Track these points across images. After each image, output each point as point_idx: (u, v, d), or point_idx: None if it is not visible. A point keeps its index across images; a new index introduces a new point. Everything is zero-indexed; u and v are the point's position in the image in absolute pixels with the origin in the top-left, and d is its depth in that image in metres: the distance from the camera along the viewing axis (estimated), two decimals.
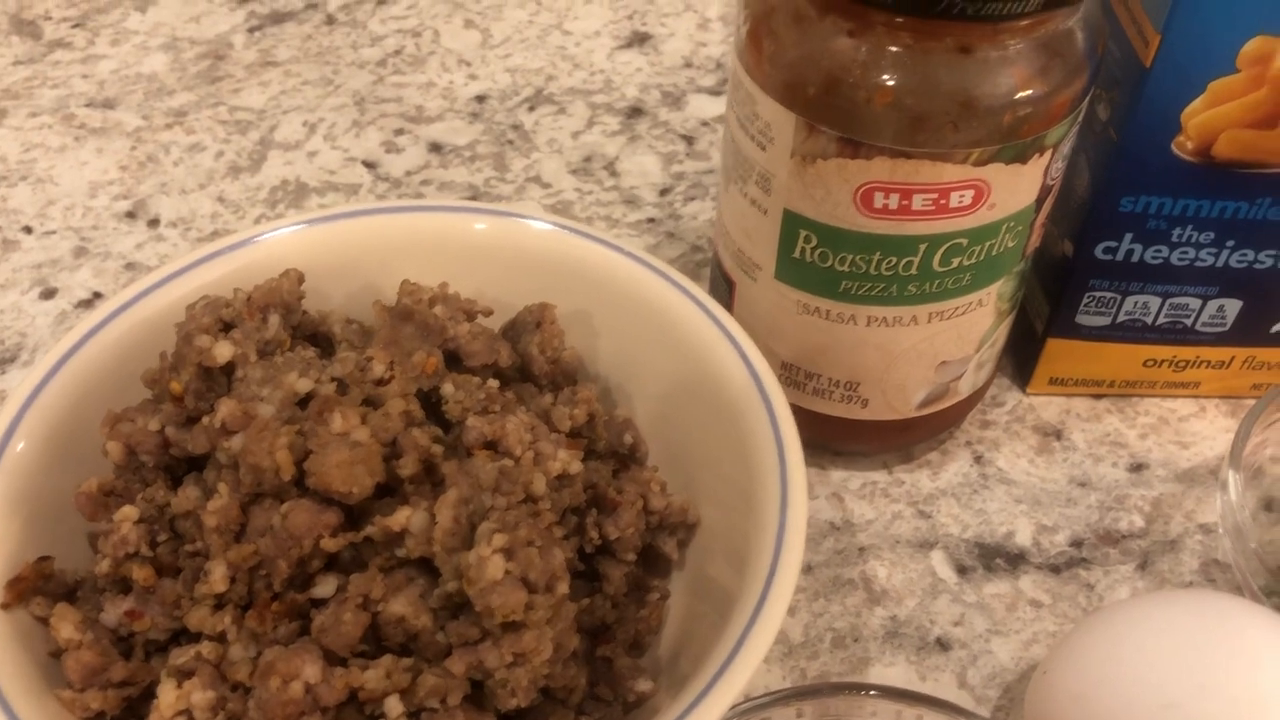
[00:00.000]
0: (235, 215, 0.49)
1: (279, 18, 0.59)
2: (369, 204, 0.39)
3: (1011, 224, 0.33)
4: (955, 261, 0.33)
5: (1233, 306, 0.40)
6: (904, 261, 0.33)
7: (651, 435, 0.37)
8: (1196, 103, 0.34)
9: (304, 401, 0.31)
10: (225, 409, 0.29)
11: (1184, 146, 0.35)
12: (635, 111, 0.54)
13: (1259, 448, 0.40)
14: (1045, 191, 0.33)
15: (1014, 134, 0.31)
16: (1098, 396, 0.43)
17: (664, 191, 0.50)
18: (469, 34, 0.58)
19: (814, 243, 0.34)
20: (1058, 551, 0.38)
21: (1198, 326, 0.40)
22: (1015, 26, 0.29)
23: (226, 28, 0.58)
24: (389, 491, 0.30)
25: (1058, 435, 0.42)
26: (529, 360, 0.35)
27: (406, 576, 0.29)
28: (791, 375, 0.38)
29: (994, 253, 0.34)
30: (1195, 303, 0.40)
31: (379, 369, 0.31)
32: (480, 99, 0.54)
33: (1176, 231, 0.37)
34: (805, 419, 0.39)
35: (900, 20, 0.30)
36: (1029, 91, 0.30)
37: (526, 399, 0.35)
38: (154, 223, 0.48)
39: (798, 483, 0.32)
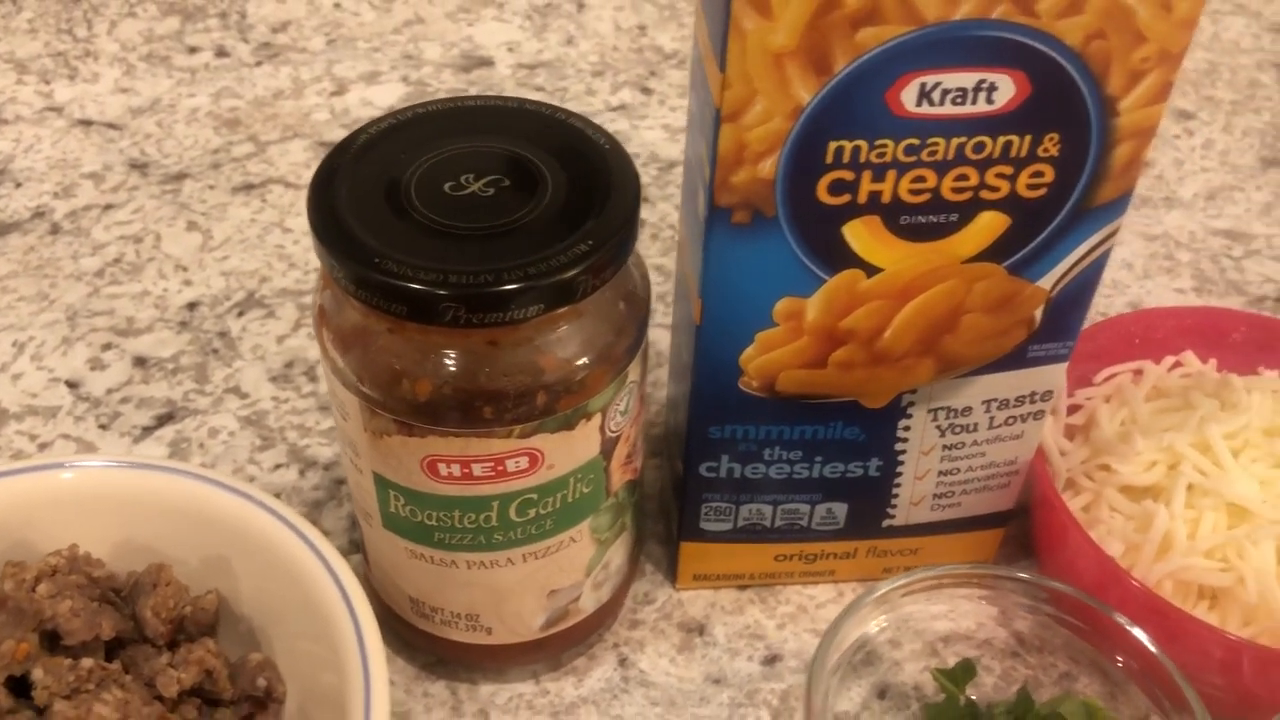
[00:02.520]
0: None
1: (3, 229, 0.60)
2: (13, 464, 0.40)
3: (579, 475, 0.36)
4: (531, 512, 0.36)
5: (840, 509, 0.43)
6: (483, 516, 0.36)
7: (292, 674, 0.39)
8: (749, 350, 0.37)
9: None
10: None
11: (750, 385, 0.38)
12: None
13: (880, 632, 0.43)
14: (610, 443, 0.36)
15: (551, 410, 0.34)
16: (742, 588, 0.46)
17: None
18: (190, 237, 0.60)
19: (402, 501, 0.36)
20: None
21: (813, 526, 0.44)
22: (536, 323, 0.32)
23: None
24: None
25: (701, 631, 0.45)
26: (142, 623, 0.37)
27: None
28: (419, 609, 0.40)
29: (569, 500, 0.36)
30: (804, 508, 0.43)
31: None
32: (192, 306, 0.56)
33: (767, 452, 0.41)
34: (442, 646, 0.41)
35: None
36: (559, 374, 0.33)
37: (141, 662, 0.36)
38: None
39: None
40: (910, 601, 0.43)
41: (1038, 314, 0.38)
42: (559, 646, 0.42)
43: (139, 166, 0.64)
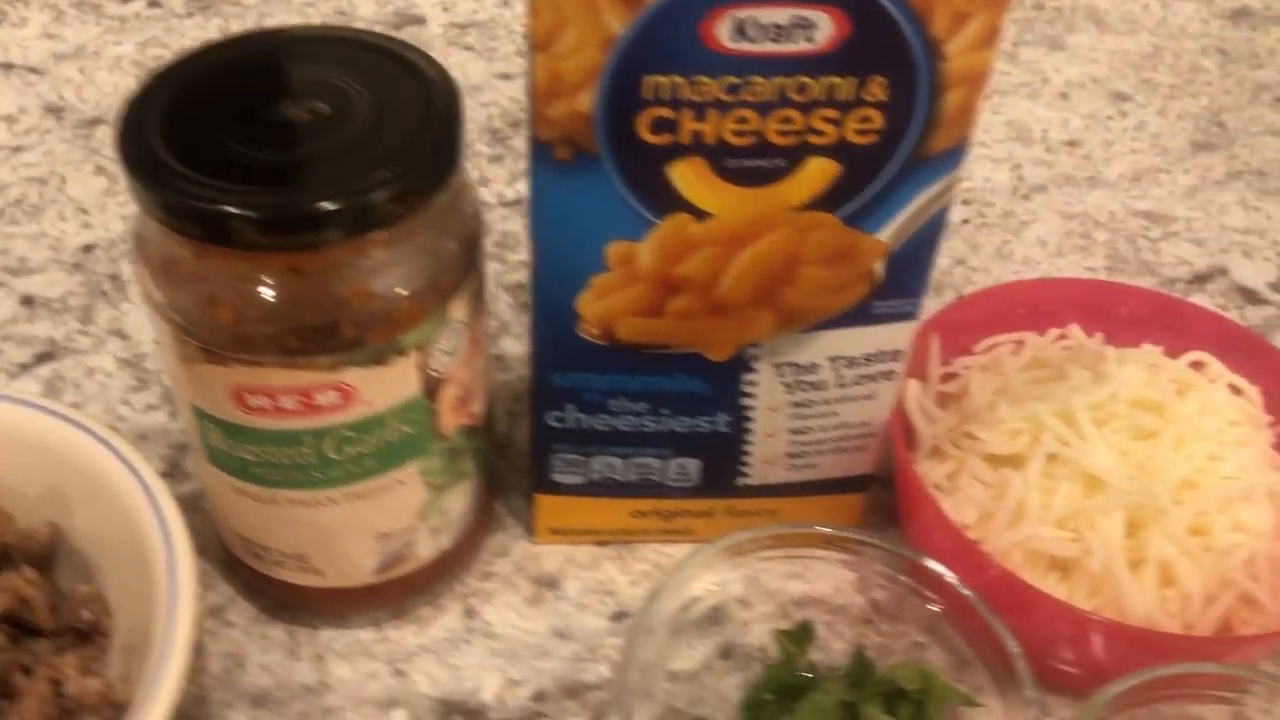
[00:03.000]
0: None
1: None
2: None
3: (399, 414, 0.35)
4: (350, 450, 0.35)
5: (692, 464, 0.42)
6: (298, 451, 0.35)
7: (123, 609, 0.39)
8: (586, 295, 0.37)
9: None
10: None
11: (590, 331, 0.38)
12: None
13: (731, 592, 0.43)
14: (434, 383, 0.36)
15: (360, 342, 0.33)
16: (600, 544, 0.45)
17: None
18: (96, 181, 0.60)
19: (220, 434, 0.36)
20: (518, 706, 0.40)
21: (668, 482, 0.43)
22: (342, 251, 0.32)
23: None
24: None
25: (552, 585, 0.44)
26: None
27: None
28: (250, 547, 0.39)
29: (390, 440, 0.36)
30: (656, 462, 0.42)
31: None
32: (88, 249, 0.56)
33: (612, 402, 0.40)
34: (277, 588, 0.41)
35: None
36: (367, 306, 0.33)
37: None
38: None
39: (174, 670, 0.33)
40: (764, 561, 0.42)
41: (878, 268, 0.37)
42: (398, 593, 0.41)
43: (54, 110, 0.64)
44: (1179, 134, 0.67)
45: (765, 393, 0.40)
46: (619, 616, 0.43)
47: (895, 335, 0.39)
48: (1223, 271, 0.59)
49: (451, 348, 0.36)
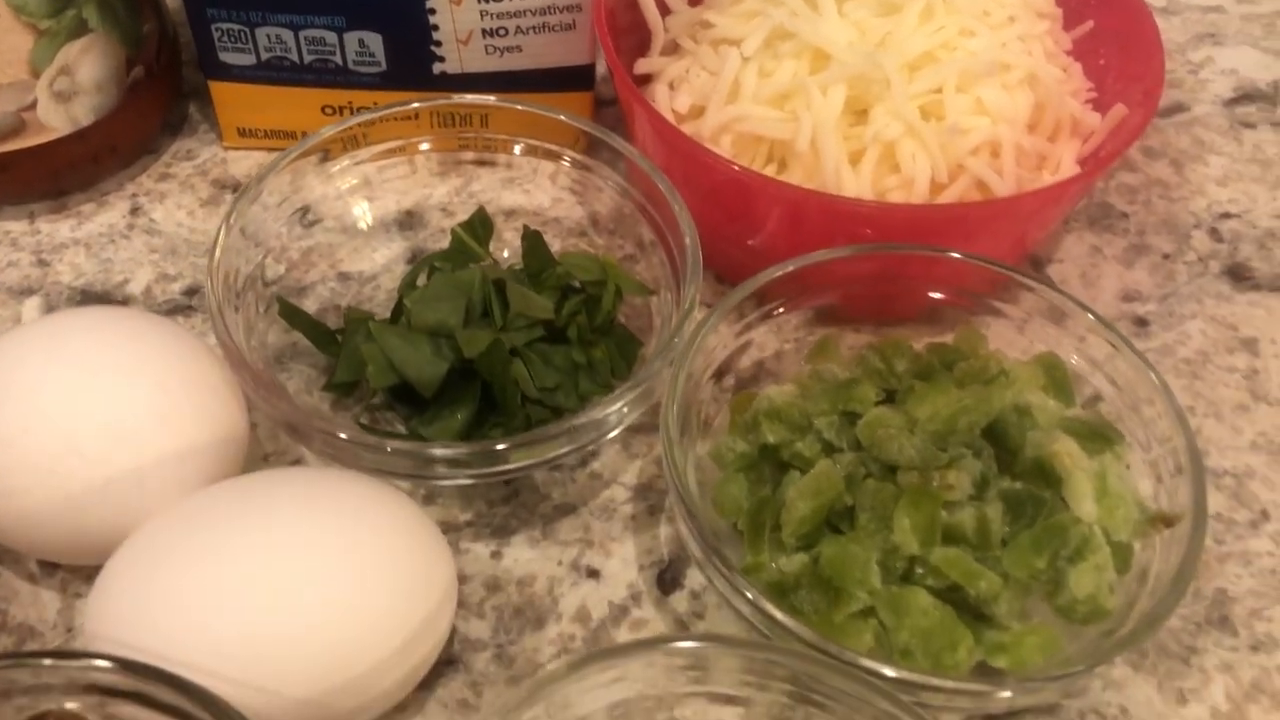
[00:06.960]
0: None
1: None
2: None
3: None
4: None
5: (374, 40, 0.37)
6: None
7: None
8: None
9: None
10: None
11: None
12: None
13: (436, 199, 0.38)
14: None
15: None
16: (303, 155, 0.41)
17: None
18: None
19: None
20: (166, 299, 0.36)
21: (352, 66, 0.38)
22: None
23: None
24: None
25: (236, 188, 0.40)
26: None
27: None
28: None
29: None
30: (331, 36, 0.37)
31: None
32: None
33: None
34: None
35: None
36: None
37: None
38: None
39: None
40: (479, 168, 0.38)
41: None
42: (35, 174, 0.37)
43: None
44: None
45: None
46: (311, 225, 0.39)
47: None
48: None
49: None
